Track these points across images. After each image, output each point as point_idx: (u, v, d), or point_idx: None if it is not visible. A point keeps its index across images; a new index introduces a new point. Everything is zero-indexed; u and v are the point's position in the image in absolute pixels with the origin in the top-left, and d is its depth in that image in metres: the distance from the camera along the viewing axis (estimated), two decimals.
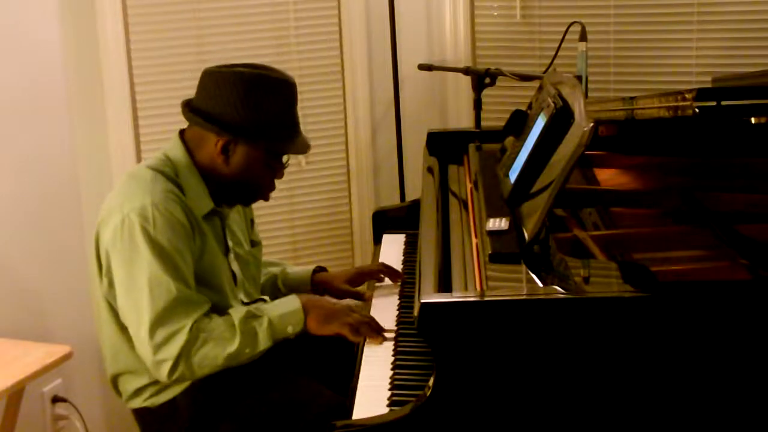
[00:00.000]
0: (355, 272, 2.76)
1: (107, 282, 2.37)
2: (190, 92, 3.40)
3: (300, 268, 2.82)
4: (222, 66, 2.45)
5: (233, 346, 2.30)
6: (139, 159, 3.35)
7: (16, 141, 3.01)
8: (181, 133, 2.48)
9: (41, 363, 2.68)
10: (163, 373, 2.29)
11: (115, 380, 2.50)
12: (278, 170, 2.47)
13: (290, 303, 2.40)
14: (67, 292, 3.23)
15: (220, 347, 2.29)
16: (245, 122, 2.37)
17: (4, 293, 2.98)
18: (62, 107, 3.18)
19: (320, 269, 2.79)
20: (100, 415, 3.38)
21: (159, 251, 2.28)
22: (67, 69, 3.19)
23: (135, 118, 3.34)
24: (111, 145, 3.32)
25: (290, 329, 2.37)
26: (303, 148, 2.47)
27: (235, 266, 2.51)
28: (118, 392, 2.51)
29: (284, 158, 2.47)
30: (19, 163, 3.02)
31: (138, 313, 2.29)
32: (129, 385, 2.46)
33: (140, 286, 2.29)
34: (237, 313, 2.34)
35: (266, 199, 2.53)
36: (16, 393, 2.71)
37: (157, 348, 2.27)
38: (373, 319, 2.41)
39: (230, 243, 2.51)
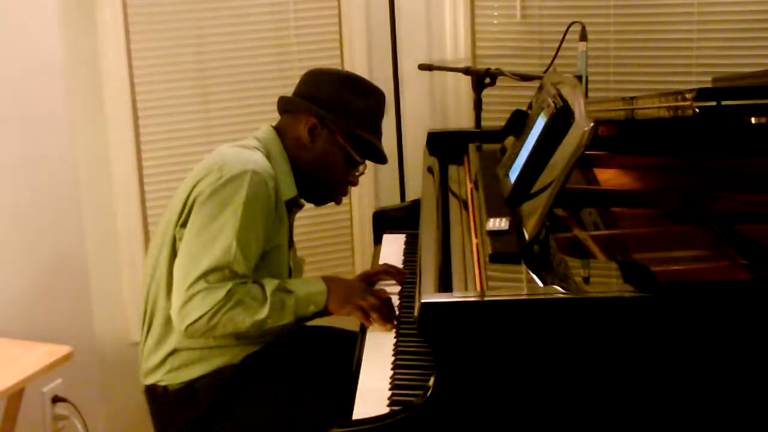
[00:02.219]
0: (360, 276, 2.77)
1: (183, 232, 2.41)
2: (190, 92, 3.44)
3: None
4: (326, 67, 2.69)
5: (261, 314, 2.34)
6: (139, 159, 3.35)
7: (16, 141, 3.01)
8: (272, 125, 2.60)
9: (41, 363, 2.68)
10: (186, 321, 2.32)
11: (147, 329, 2.51)
12: (354, 169, 2.60)
13: (316, 284, 2.46)
14: (67, 292, 3.23)
15: (249, 312, 2.34)
16: (335, 105, 2.52)
17: (4, 293, 2.98)
18: (62, 108, 3.18)
19: None
20: (100, 415, 3.38)
21: (241, 216, 2.34)
22: (67, 70, 3.19)
23: (135, 118, 3.34)
24: (111, 145, 3.32)
25: (312, 308, 2.43)
26: (382, 155, 2.62)
27: (292, 262, 2.58)
28: (141, 356, 2.53)
29: (361, 167, 2.61)
30: (19, 164, 3.02)
31: (192, 260, 2.34)
32: (152, 351, 2.48)
33: (208, 238, 2.34)
34: (269, 283, 2.38)
35: (338, 202, 2.67)
36: (16, 393, 2.71)
37: (191, 297, 2.31)
38: (386, 305, 2.44)
39: (292, 240, 2.59)
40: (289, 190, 2.52)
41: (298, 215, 3.05)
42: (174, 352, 2.45)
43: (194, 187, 2.41)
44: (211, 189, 2.37)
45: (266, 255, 2.44)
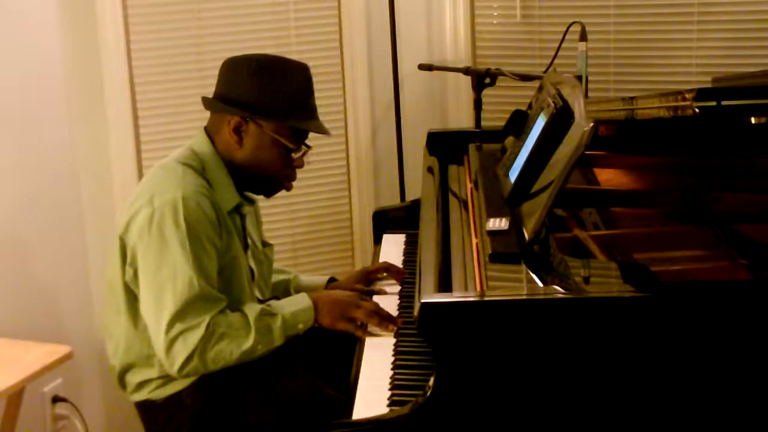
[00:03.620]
0: (360, 273, 2.77)
1: (132, 272, 2.38)
2: (190, 92, 3.44)
3: (314, 277, 2.85)
4: (240, 55, 2.52)
5: (248, 343, 2.32)
6: (139, 159, 3.35)
7: (16, 141, 3.01)
8: (205, 128, 2.52)
9: (41, 363, 2.68)
10: (175, 366, 2.30)
11: (122, 373, 2.50)
12: (293, 153, 2.47)
13: (301, 301, 2.42)
14: (67, 292, 3.23)
15: (235, 343, 2.31)
16: (256, 100, 2.41)
17: (4, 293, 2.98)
18: (62, 107, 3.18)
19: (333, 280, 2.80)
20: (100, 415, 3.38)
21: (187, 246, 2.30)
22: (67, 69, 3.19)
23: (135, 118, 3.34)
24: (111, 145, 3.32)
25: (301, 326, 2.40)
26: (316, 128, 2.49)
27: (252, 263, 2.53)
28: (123, 385, 2.52)
29: (299, 152, 2.48)
30: (20, 164, 3.02)
31: (159, 306, 2.30)
32: (136, 377, 2.46)
33: (165, 279, 2.30)
34: (251, 310, 2.36)
35: (287, 189, 2.55)
36: (16, 393, 2.71)
37: (172, 342, 2.28)
38: (380, 309, 2.42)
39: (248, 241, 2.54)
40: (230, 199, 2.45)
41: (297, 215, 3.04)
42: (154, 378, 2.44)
43: (129, 224, 2.36)
44: (148, 227, 2.31)
45: (224, 268, 2.39)
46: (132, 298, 2.41)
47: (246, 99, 2.42)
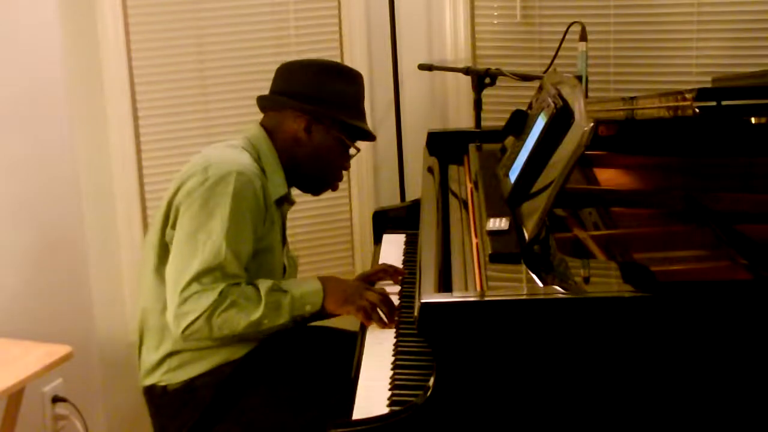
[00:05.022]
0: (359, 278, 2.77)
1: (173, 234, 2.42)
2: (190, 92, 3.44)
3: None
4: (293, 60, 2.66)
5: (256, 314, 2.35)
6: (139, 159, 3.35)
7: (16, 141, 3.00)
8: (261, 123, 2.60)
9: (41, 363, 2.68)
10: (182, 324, 2.33)
11: (140, 338, 2.53)
12: (348, 155, 2.60)
13: (311, 283, 2.46)
14: (68, 291, 3.23)
15: (244, 313, 2.35)
16: (323, 98, 2.52)
17: (4, 293, 2.98)
18: (62, 107, 3.18)
19: None
20: (100, 415, 3.38)
21: (228, 218, 2.35)
22: (67, 69, 3.19)
23: (135, 118, 3.34)
24: (111, 145, 3.32)
25: (308, 308, 2.43)
26: (370, 132, 2.62)
27: (285, 260, 2.59)
28: (140, 358, 2.54)
29: (352, 150, 2.61)
30: (19, 163, 3.02)
31: (184, 266, 2.35)
32: (150, 353, 2.49)
33: (198, 240, 2.35)
34: (263, 284, 2.39)
35: (334, 188, 2.66)
36: (16, 393, 2.71)
37: (185, 300, 2.32)
38: (387, 300, 2.45)
39: (286, 239, 2.61)
40: (279, 188, 2.52)
41: (297, 215, 3.05)
42: (172, 353, 2.46)
43: (179, 189, 2.42)
44: (197, 192, 2.38)
45: (259, 255, 2.44)
46: (165, 260, 2.44)
47: (314, 97, 2.52)
